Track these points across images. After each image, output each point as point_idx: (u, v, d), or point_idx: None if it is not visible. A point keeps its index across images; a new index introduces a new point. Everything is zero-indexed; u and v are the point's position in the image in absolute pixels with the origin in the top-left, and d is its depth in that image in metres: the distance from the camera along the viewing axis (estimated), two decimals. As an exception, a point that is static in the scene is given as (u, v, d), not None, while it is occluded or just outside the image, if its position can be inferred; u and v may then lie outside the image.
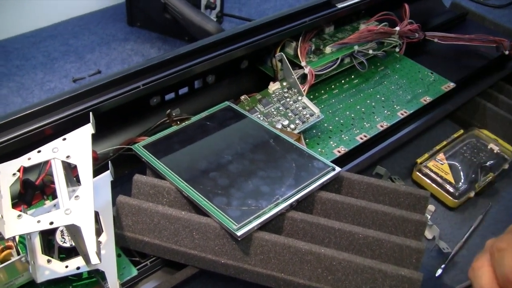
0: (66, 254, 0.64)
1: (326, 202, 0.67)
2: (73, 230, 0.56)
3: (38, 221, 0.54)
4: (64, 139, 0.62)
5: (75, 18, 1.29)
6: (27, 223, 0.55)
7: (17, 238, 0.63)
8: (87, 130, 0.62)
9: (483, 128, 0.97)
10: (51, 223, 0.54)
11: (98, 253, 0.53)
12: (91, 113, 0.64)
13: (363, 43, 0.98)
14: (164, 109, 0.82)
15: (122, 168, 0.77)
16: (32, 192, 0.68)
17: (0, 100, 1.04)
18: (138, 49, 1.20)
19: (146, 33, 1.26)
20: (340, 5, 0.97)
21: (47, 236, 0.65)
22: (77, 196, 0.56)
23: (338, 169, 0.70)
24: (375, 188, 0.70)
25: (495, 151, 0.91)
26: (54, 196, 0.70)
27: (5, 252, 0.62)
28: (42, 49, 1.18)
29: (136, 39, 1.23)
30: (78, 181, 0.65)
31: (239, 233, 0.59)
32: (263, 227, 0.62)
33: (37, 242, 0.63)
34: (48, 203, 0.70)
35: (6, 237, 0.54)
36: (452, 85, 0.98)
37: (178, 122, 0.79)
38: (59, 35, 1.23)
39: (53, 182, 0.70)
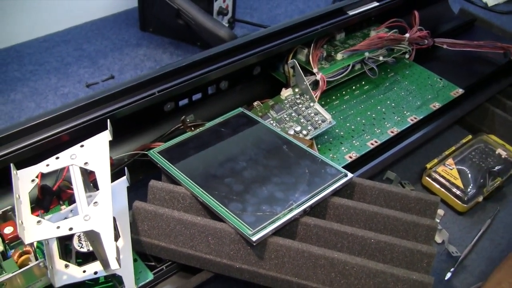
0: (83, 259, 0.65)
1: (338, 208, 0.69)
2: (92, 236, 0.57)
3: (58, 227, 0.56)
4: (82, 145, 0.63)
5: (88, 23, 1.30)
6: (46, 229, 0.56)
7: (35, 244, 0.64)
8: (105, 137, 0.64)
9: (491, 133, 0.98)
10: (71, 229, 0.55)
11: (118, 259, 0.54)
12: (108, 120, 0.65)
13: (374, 49, 0.99)
14: (177, 115, 0.84)
15: (136, 174, 0.78)
16: (50, 197, 0.70)
17: (15, 105, 1.05)
18: (151, 54, 1.21)
19: (159, 38, 1.27)
20: (351, 13, 0.99)
21: (64, 241, 0.66)
22: (96, 202, 0.57)
23: (350, 175, 0.71)
24: (387, 193, 0.71)
25: (503, 156, 0.92)
26: (70, 201, 0.72)
27: (23, 257, 0.63)
28: (55, 54, 1.19)
29: (148, 44, 1.24)
30: (95, 187, 0.67)
31: (254, 238, 0.61)
32: (277, 232, 0.63)
33: (54, 247, 0.64)
34: (64, 208, 0.71)
35: (26, 242, 0.55)
36: (460, 91, 0.99)
37: (193, 128, 0.80)
38: (72, 40, 1.24)
39: (69, 188, 0.73)
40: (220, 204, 0.65)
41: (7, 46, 1.20)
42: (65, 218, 0.63)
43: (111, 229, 0.55)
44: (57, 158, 0.62)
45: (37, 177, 0.61)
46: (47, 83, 1.11)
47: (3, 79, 1.11)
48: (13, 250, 0.63)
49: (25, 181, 0.61)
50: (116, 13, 1.35)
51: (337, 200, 0.69)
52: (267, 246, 0.62)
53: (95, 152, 0.62)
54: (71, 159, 0.62)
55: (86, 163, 0.61)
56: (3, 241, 0.65)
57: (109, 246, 0.54)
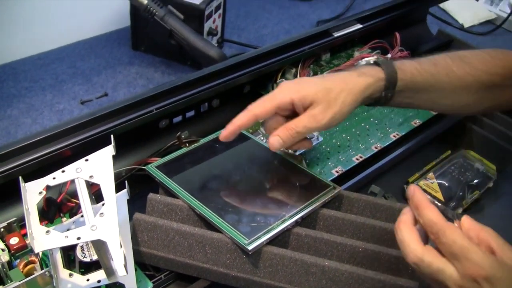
0: (86, 268, 0.68)
1: (328, 219, 0.73)
2: (99, 245, 0.60)
3: (66, 237, 0.59)
4: (87, 159, 0.67)
5: (81, 42, 1.33)
6: (55, 238, 0.59)
7: (40, 254, 0.67)
8: (108, 151, 0.67)
9: (470, 149, 1.01)
10: (79, 238, 0.59)
11: (125, 265, 0.58)
12: (112, 135, 0.69)
13: (358, 69, 1.04)
14: (171, 132, 0.88)
15: (133, 188, 0.81)
16: (55, 209, 0.73)
17: (11, 120, 1.08)
18: (143, 73, 1.25)
19: (150, 57, 1.30)
20: (336, 34, 1.03)
21: (68, 251, 0.69)
22: (102, 213, 0.61)
23: (338, 188, 0.75)
24: (373, 205, 0.76)
25: (480, 171, 0.95)
26: (71, 214, 0.75)
27: (29, 267, 0.66)
28: (50, 71, 1.22)
29: (140, 63, 1.28)
30: (96, 199, 0.71)
31: (250, 247, 0.64)
32: (271, 242, 0.67)
33: (58, 257, 0.67)
34: (65, 220, 0.74)
35: (36, 251, 0.58)
36: (441, 108, 1.03)
37: (187, 144, 0.84)
38: (66, 58, 1.27)
39: (69, 201, 0.76)
40: (216, 216, 0.69)
41: (2, 63, 1.23)
42: (68, 229, 0.67)
43: (118, 238, 0.59)
44: (63, 171, 0.66)
45: (44, 189, 0.65)
46: (42, 100, 1.14)
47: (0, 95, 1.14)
48: (18, 260, 0.66)
49: (33, 193, 0.64)
50: (108, 32, 1.38)
51: (327, 212, 0.73)
52: (262, 255, 0.66)
53: (100, 165, 0.66)
54: (76, 172, 0.65)
55: (91, 176, 0.65)
56: (9, 251, 0.67)
57: (116, 254, 0.58)
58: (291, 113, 0.75)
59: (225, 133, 0.75)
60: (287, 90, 0.74)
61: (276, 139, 0.73)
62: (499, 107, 0.94)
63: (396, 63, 0.79)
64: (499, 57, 0.84)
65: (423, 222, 0.57)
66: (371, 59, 0.89)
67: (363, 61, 0.88)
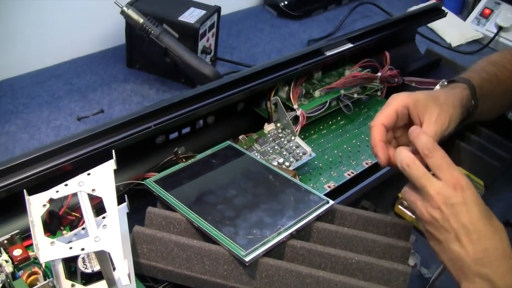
0: (87, 279, 0.69)
1: (321, 232, 0.75)
2: (102, 256, 0.63)
3: (70, 248, 0.61)
4: (89, 173, 0.69)
5: (77, 59, 1.35)
6: (60, 249, 0.61)
7: (43, 265, 0.69)
8: (110, 165, 0.70)
9: (458, 165, 1.03)
10: (82, 249, 0.61)
11: (129, 275, 0.60)
12: (113, 150, 0.71)
13: (348, 87, 1.07)
14: (168, 147, 0.90)
15: (131, 202, 0.83)
16: (57, 222, 0.75)
17: (9, 136, 1.09)
18: (138, 90, 1.27)
19: (145, 75, 1.32)
20: (328, 53, 1.06)
21: (69, 263, 0.71)
22: (105, 225, 0.63)
23: (331, 202, 0.77)
24: (364, 219, 0.78)
25: None
26: (71, 227, 0.77)
27: (32, 277, 0.68)
28: (46, 88, 1.23)
29: (135, 80, 1.30)
30: (97, 212, 0.73)
31: (247, 259, 0.66)
32: (267, 253, 0.69)
33: (60, 268, 0.69)
34: (65, 233, 0.76)
35: (41, 261, 0.60)
36: (428, 126, 1.06)
37: (184, 160, 0.86)
38: (63, 75, 1.29)
39: (69, 214, 0.78)
40: (214, 228, 0.71)
41: (0, 80, 1.25)
42: (70, 241, 0.68)
43: (121, 248, 0.61)
44: (66, 185, 0.68)
45: (47, 202, 0.67)
46: (39, 116, 1.15)
47: (-3, 111, 1.16)
48: (22, 271, 0.68)
49: (37, 206, 0.66)
50: (103, 49, 1.40)
51: (320, 225, 0.75)
52: (259, 266, 0.68)
53: (101, 179, 0.68)
54: (79, 186, 0.68)
55: (93, 190, 0.67)
56: (13, 262, 0.69)
57: (119, 264, 0.60)
58: (405, 127, 0.80)
59: (383, 160, 0.77)
60: (400, 97, 0.78)
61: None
62: None
63: (463, 76, 0.89)
64: None
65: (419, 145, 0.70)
66: (443, 81, 0.91)
67: (437, 86, 0.90)
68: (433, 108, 0.77)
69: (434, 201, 0.66)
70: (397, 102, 0.78)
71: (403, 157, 0.70)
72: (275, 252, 0.71)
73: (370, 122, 0.78)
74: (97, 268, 0.68)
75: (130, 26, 1.24)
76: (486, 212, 0.66)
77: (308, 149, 0.93)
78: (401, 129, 0.81)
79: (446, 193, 0.66)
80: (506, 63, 0.96)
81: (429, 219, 0.67)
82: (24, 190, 0.66)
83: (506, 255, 0.65)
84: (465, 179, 0.67)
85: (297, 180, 0.83)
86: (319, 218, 0.76)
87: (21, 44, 1.26)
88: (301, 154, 0.92)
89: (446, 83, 0.90)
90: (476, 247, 0.64)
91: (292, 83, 1.02)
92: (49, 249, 0.61)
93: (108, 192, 0.67)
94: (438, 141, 0.74)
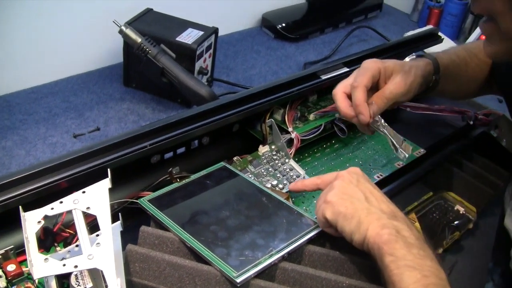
0: (79, 296, 0.70)
1: (313, 255, 0.76)
2: (95, 273, 0.63)
3: (64, 265, 0.62)
4: (84, 192, 0.70)
5: (74, 77, 1.36)
6: (53, 266, 0.62)
7: (36, 281, 0.69)
8: (105, 184, 0.70)
9: (450, 191, 1.03)
10: (76, 266, 0.62)
11: (121, 293, 0.60)
12: (109, 169, 0.72)
13: (343, 111, 1.08)
14: (163, 167, 0.90)
15: (125, 220, 0.83)
16: (51, 238, 0.76)
17: (5, 151, 1.10)
18: (134, 109, 1.28)
19: (141, 93, 1.33)
20: (324, 77, 1.07)
21: (62, 279, 0.71)
22: (98, 243, 0.64)
23: (323, 225, 0.78)
24: (356, 243, 0.79)
25: (461, 212, 0.98)
26: (65, 243, 0.77)
27: (25, 293, 0.69)
28: (43, 105, 1.25)
29: (131, 99, 1.31)
30: (91, 229, 0.73)
31: (238, 280, 0.67)
32: (258, 275, 0.70)
33: (53, 285, 0.69)
34: (59, 249, 0.76)
35: (35, 278, 0.61)
36: (422, 151, 1.07)
37: (178, 180, 0.87)
38: (60, 92, 1.30)
39: (63, 231, 0.78)
40: (206, 249, 0.72)
41: (-3, 96, 1.26)
42: (63, 258, 0.69)
43: (113, 267, 0.61)
44: (61, 202, 0.69)
45: (42, 219, 0.67)
46: (36, 132, 1.16)
47: (-6, 127, 1.16)
48: (15, 287, 0.68)
49: (32, 222, 0.67)
50: (100, 68, 1.42)
51: (312, 248, 0.76)
52: (250, 287, 0.69)
53: (96, 198, 0.69)
54: (74, 203, 0.68)
55: (88, 208, 0.68)
56: (6, 277, 0.69)
57: (111, 282, 0.60)
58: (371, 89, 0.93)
59: (367, 117, 0.90)
60: (373, 62, 0.93)
61: (374, 105, 0.90)
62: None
63: (433, 54, 1.03)
64: None
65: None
66: (412, 55, 1.04)
67: (407, 59, 1.03)
68: (397, 73, 0.92)
69: (336, 176, 0.77)
70: (373, 66, 0.91)
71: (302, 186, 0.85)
72: (267, 274, 0.72)
73: (353, 83, 0.91)
74: (89, 285, 0.68)
75: (128, 45, 1.25)
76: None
77: (302, 171, 0.94)
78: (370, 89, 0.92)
79: (342, 172, 0.78)
80: (479, 53, 1.06)
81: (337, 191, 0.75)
82: (20, 207, 0.67)
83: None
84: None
85: (290, 203, 0.84)
86: (311, 241, 0.77)
87: (19, 61, 1.28)
88: (294, 176, 0.93)
89: (414, 57, 1.03)
90: (382, 204, 0.74)
91: (288, 105, 1.03)
92: (42, 266, 0.62)
93: (102, 210, 0.68)
94: (393, 102, 0.93)
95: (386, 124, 0.93)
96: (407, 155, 0.92)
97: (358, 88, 0.89)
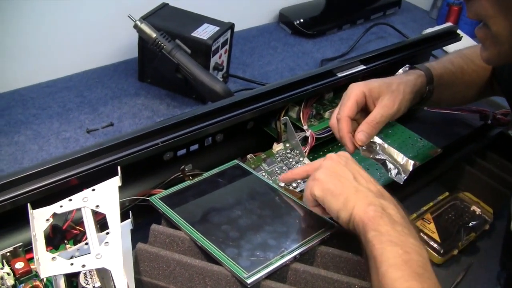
0: (88, 295, 0.69)
1: (325, 256, 0.74)
2: (103, 273, 0.63)
3: (71, 264, 0.61)
4: (94, 189, 0.69)
5: (89, 71, 1.36)
6: (61, 265, 0.61)
7: (44, 279, 0.69)
8: (115, 182, 0.69)
9: (467, 191, 1.02)
10: (83, 265, 0.61)
11: (128, 294, 0.60)
12: (119, 167, 0.71)
13: (359, 109, 1.06)
14: (175, 164, 0.90)
15: (136, 218, 0.83)
16: (60, 236, 0.75)
17: (18, 146, 1.10)
18: (148, 105, 1.27)
19: (156, 89, 1.32)
20: (340, 74, 1.06)
21: (71, 278, 0.71)
22: (107, 242, 0.63)
23: (336, 226, 0.77)
24: (370, 244, 0.77)
25: (477, 213, 0.97)
26: (75, 241, 0.77)
27: (32, 291, 0.68)
28: (58, 100, 1.24)
29: (146, 95, 1.30)
30: (101, 228, 0.72)
31: (249, 281, 0.66)
32: (269, 276, 0.69)
33: (62, 283, 0.69)
34: (69, 247, 0.76)
35: (42, 277, 0.60)
36: (439, 150, 1.05)
37: (191, 177, 0.86)
38: (74, 87, 1.29)
39: (73, 228, 0.78)
40: (217, 249, 0.71)
41: (12, 89, 1.25)
42: (72, 256, 0.68)
43: (121, 267, 0.61)
44: (70, 200, 0.68)
45: (51, 216, 0.67)
46: (49, 127, 1.16)
47: (8, 121, 1.16)
48: (23, 284, 0.68)
49: (40, 220, 0.66)
50: (115, 62, 1.41)
51: (324, 249, 0.75)
52: (260, 288, 0.68)
53: (106, 196, 0.68)
54: (83, 201, 0.68)
55: (97, 206, 0.67)
56: (14, 275, 0.69)
57: (119, 282, 0.60)
58: (362, 112, 0.91)
59: (351, 148, 0.89)
60: (357, 87, 0.90)
61: (362, 134, 0.88)
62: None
63: (426, 64, 1.01)
64: None
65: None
66: (406, 67, 1.01)
67: (400, 70, 1.01)
68: (385, 94, 0.90)
69: (325, 158, 0.78)
70: (356, 92, 0.89)
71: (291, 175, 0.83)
72: (278, 275, 0.71)
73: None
74: (98, 284, 0.67)
75: (143, 40, 1.24)
76: None
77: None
78: (359, 112, 0.91)
79: (331, 153, 0.79)
80: (475, 58, 1.04)
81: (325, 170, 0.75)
82: (28, 204, 0.66)
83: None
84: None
85: (303, 203, 0.82)
86: (323, 242, 0.76)
87: (34, 55, 1.27)
88: (308, 175, 0.92)
89: (407, 68, 1.01)
90: (369, 184, 0.74)
91: (303, 103, 1.02)
92: (49, 265, 0.61)
93: (112, 209, 0.67)
94: (388, 122, 0.90)
95: (384, 144, 0.91)
96: (405, 177, 0.89)
97: (340, 120, 0.88)
